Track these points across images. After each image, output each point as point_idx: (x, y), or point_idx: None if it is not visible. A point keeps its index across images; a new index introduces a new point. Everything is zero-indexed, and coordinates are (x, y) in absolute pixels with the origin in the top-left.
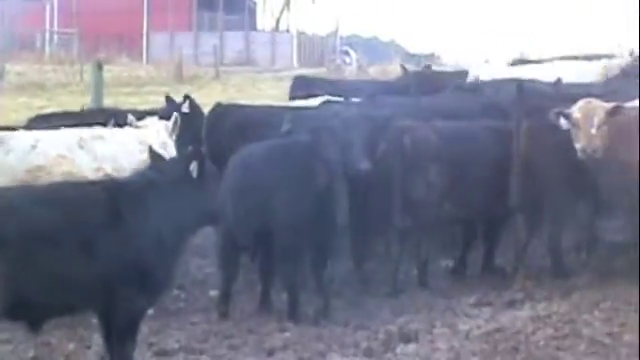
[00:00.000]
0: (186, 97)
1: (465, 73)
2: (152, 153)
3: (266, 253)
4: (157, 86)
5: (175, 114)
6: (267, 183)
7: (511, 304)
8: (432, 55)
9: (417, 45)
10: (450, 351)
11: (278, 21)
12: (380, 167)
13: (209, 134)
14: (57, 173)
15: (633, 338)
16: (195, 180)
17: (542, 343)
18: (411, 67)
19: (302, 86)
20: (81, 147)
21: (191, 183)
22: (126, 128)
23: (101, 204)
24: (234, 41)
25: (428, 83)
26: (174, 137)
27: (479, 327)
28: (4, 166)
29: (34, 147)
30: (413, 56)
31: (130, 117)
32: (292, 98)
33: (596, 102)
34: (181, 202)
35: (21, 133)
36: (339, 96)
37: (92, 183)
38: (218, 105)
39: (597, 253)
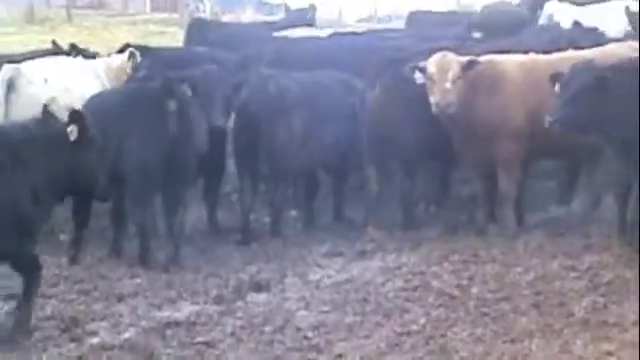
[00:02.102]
0: (72, 46)
1: None
2: (45, 109)
3: (117, 199)
4: (7, 27)
5: (131, 49)
6: (116, 129)
7: (362, 255)
8: (284, 4)
9: None
10: (301, 300)
11: None
12: (239, 115)
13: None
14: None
15: (480, 290)
16: (71, 143)
17: (391, 294)
18: (263, 16)
19: (198, 30)
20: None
21: (65, 145)
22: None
23: None
24: None
25: None
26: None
27: (330, 277)
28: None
29: (46, 80)
30: (265, 4)
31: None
32: (188, 42)
33: (451, 56)
34: (49, 162)
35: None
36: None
37: None
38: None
39: (446, 206)
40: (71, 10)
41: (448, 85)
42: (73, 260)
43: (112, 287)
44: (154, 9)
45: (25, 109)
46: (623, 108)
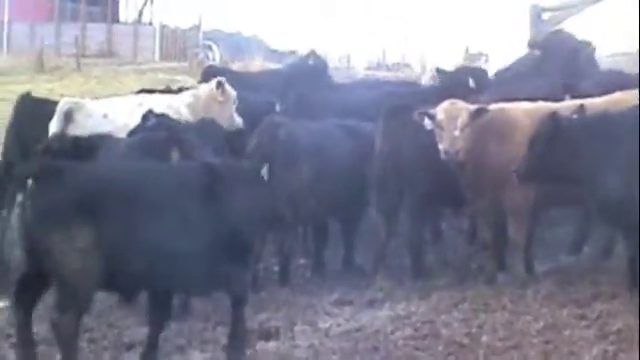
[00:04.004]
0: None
1: None
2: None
3: None
4: (17, 76)
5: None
6: None
7: (371, 303)
8: (294, 52)
9: (279, 41)
10: (310, 349)
11: (141, 13)
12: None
13: None
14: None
15: (490, 339)
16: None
17: (401, 343)
18: (273, 64)
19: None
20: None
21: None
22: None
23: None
24: (96, 33)
25: None
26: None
27: (339, 325)
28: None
29: (106, 115)
30: (274, 52)
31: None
32: None
33: (460, 103)
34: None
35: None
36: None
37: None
38: None
39: (457, 254)
40: (80, 59)
41: (457, 132)
42: None
43: (121, 336)
44: (163, 58)
45: None
46: (583, 160)
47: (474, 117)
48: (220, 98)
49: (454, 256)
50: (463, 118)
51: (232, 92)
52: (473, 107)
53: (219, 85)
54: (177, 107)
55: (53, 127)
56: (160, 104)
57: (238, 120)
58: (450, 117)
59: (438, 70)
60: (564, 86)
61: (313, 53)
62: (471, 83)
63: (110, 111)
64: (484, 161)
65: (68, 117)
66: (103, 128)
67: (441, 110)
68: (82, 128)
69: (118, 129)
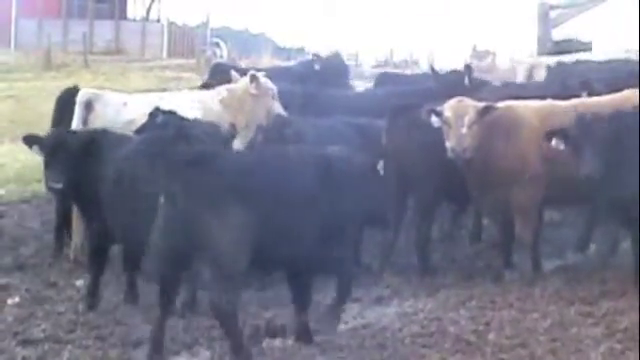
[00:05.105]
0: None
1: None
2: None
3: (129, 245)
4: (25, 72)
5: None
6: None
7: (378, 301)
8: (302, 49)
9: (287, 39)
10: (317, 346)
11: (149, 11)
12: None
13: None
14: None
15: (497, 336)
16: (380, 177)
17: (408, 340)
18: (281, 61)
19: (221, 74)
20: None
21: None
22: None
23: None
24: (104, 30)
25: None
26: None
27: (346, 323)
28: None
29: (126, 104)
30: (283, 50)
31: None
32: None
33: (468, 101)
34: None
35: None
36: None
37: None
38: None
39: (464, 252)
40: (88, 56)
41: (464, 130)
42: (90, 306)
43: (129, 333)
44: (171, 55)
45: None
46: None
47: (482, 114)
48: (254, 91)
49: (461, 253)
50: (470, 115)
51: (268, 85)
52: (481, 104)
53: (253, 78)
54: (207, 102)
55: (75, 118)
56: (189, 100)
57: (279, 113)
58: (457, 114)
59: (432, 70)
60: (581, 84)
61: (337, 54)
62: (466, 81)
63: (130, 100)
64: (491, 159)
65: (88, 107)
66: (123, 116)
67: (448, 107)
68: (103, 117)
69: (139, 117)
